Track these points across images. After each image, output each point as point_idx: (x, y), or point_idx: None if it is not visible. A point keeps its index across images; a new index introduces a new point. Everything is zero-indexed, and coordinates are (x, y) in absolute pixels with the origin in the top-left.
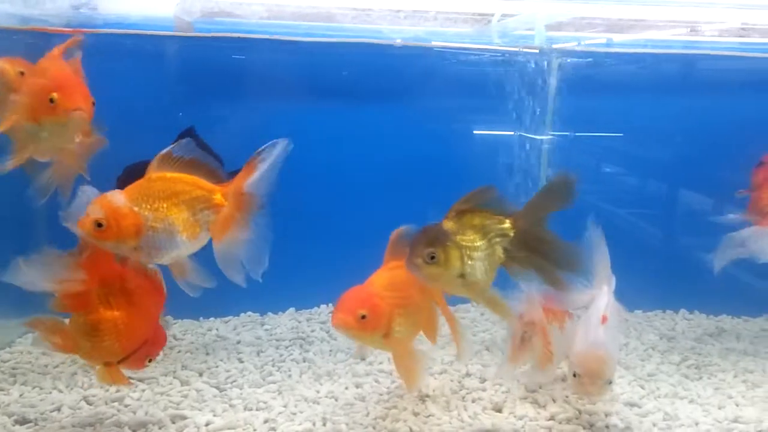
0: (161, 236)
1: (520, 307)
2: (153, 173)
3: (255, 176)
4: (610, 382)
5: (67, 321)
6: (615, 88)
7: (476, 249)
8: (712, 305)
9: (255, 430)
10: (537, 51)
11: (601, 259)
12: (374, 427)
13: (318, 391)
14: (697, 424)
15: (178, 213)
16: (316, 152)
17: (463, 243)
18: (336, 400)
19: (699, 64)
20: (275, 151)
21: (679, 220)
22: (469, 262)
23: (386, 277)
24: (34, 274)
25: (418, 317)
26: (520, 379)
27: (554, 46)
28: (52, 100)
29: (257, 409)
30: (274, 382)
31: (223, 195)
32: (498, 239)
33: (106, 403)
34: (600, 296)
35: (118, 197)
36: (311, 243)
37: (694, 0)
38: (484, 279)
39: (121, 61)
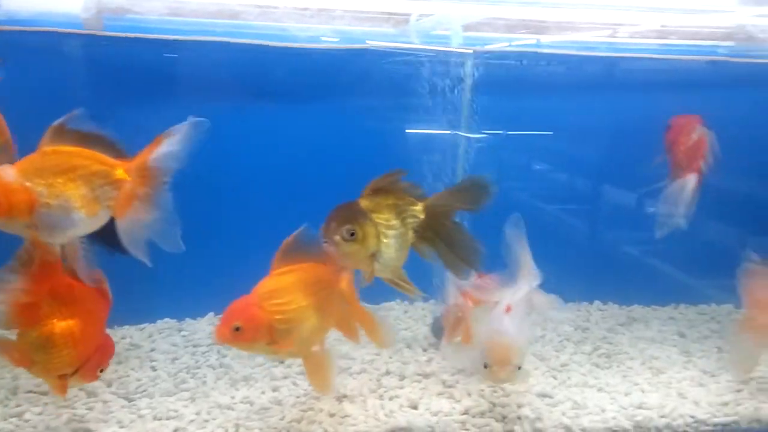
0: (56, 213)
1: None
2: (47, 147)
3: (160, 150)
4: (520, 367)
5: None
6: (541, 88)
7: (391, 228)
8: (625, 296)
9: None
10: (468, 51)
11: (520, 253)
12: (288, 431)
13: (233, 397)
14: (603, 411)
15: (75, 189)
16: (231, 153)
17: (379, 221)
18: (251, 405)
19: (621, 64)
20: (184, 128)
21: (600, 215)
22: (384, 240)
23: (269, 285)
24: None
25: (313, 321)
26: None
27: (489, 47)
28: None
29: (167, 419)
30: (187, 390)
31: (126, 171)
32: (410, 220)
33: (5, 419)
34: (508, 288)
35: (7, 172)
36: (232, 245)
37: (614, 3)
38: (397, 258)
39: (27, 60)
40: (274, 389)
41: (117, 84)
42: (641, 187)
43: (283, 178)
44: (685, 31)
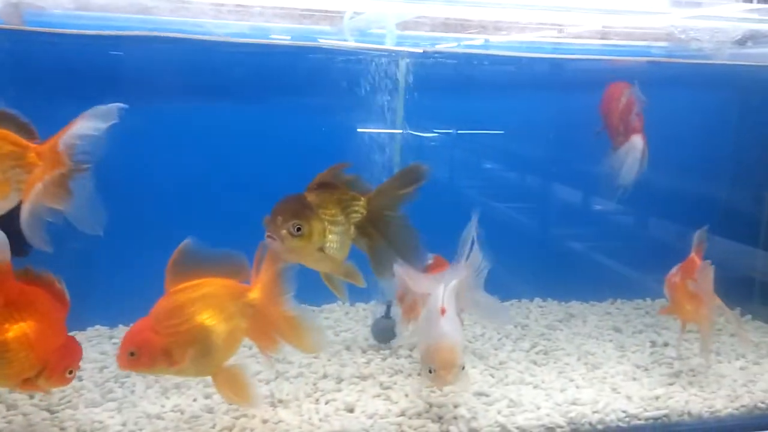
0: None
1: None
2: None
3: (72, 133)
4: (464, 367)
5: None
6: (483, 87)
7: (336, 223)
8: (565, 292)
9: None
10: (419, 51)
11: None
12: None
13: (163, 406)
14: (538, 408)
15: None
16: (153, 154)
17: (325, 216)
18: (182, 413)
19: (565, 64)
20: (100, 111)
21: (542, 213)
22: (329, 236)
23: (164, 305)
24: None
25: (215, 338)
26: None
27: (438, 47)
28: None
29: (91, 431)
30: (114, 400)
31: (38, 154)
32: (353, 215)
33: None
34: (437, 290)
35: None
36: (165, 250)
37: (557, 4)
38: (341, 253)
39: None
40: (207, 396)
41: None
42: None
43: (216, 180)
44: (623, 32)
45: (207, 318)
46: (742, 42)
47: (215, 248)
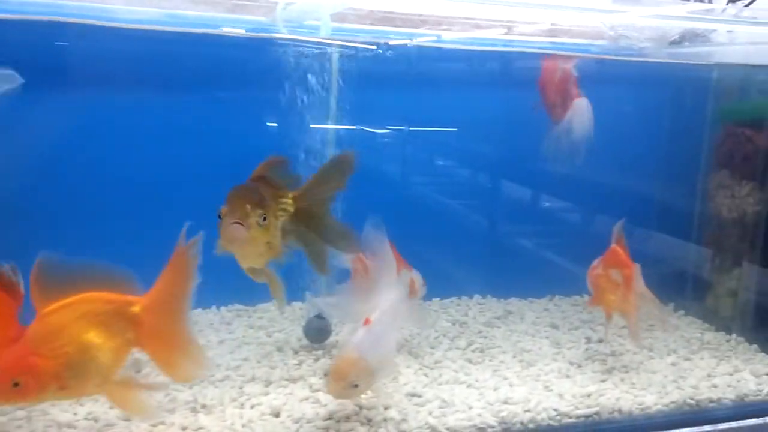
0: None
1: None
2: None
3: None
4: (356, 386)
5: None
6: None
7: (277, 217)
8: (504, 289)
9: None
10: (370, 45)
11: (384, 262)
12: None
13: (75, 414)
14: (470, 408)
15: None
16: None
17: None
18: (96, 421)
19: (511, 61)
20: None
21: (484, 210)
22: (273, 231)
23: (42, 327)
24: None
25: (103, 354)
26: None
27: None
28: None
29: None
30: (22, 408)
31: None
32: (281, 212)
33: None
34: (371, 300)
35: None
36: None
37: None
38: (280, 247)
39: None
40: None
41: None
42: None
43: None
44: (568, 30)
45: (93, 336)
46: (678, 42)
47: (85, 260)
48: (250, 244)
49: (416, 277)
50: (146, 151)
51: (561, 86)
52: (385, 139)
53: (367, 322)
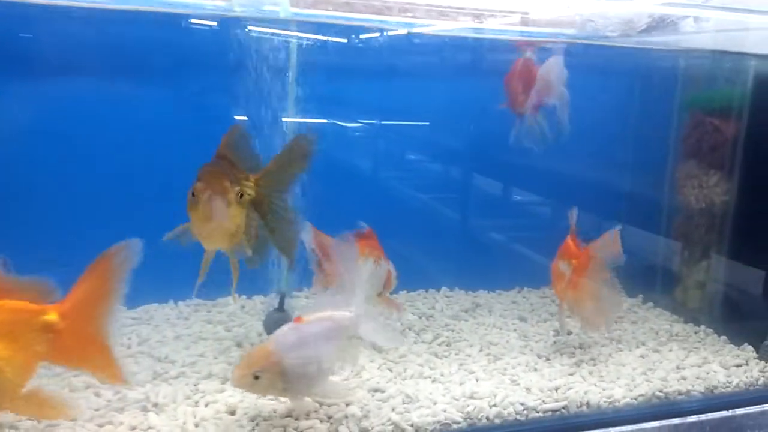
0: None
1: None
2: None
3: None
4: (257, 378)
5: None
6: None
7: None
8: (472, 282)
9: None
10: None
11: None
12: None
13: (17, 414)
14: (435, 403)
15: None
16: None
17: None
18: (38, 422)
19: (482, 51)
20: None
21: (453, 203)
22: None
23: None
24: None
25: (9, 370)
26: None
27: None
28: None
29: None
30: None
31: None
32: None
33: None
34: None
35: None
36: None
37: None
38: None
39: None
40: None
41: None
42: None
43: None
44: (538, 19)
45: (5, 347)
46: (646, 30)
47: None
48: (227, 223)
49: (392, 269)
50: (90, 138)
51: (522, 75)
52: (356, 133)
53: (297, 320)
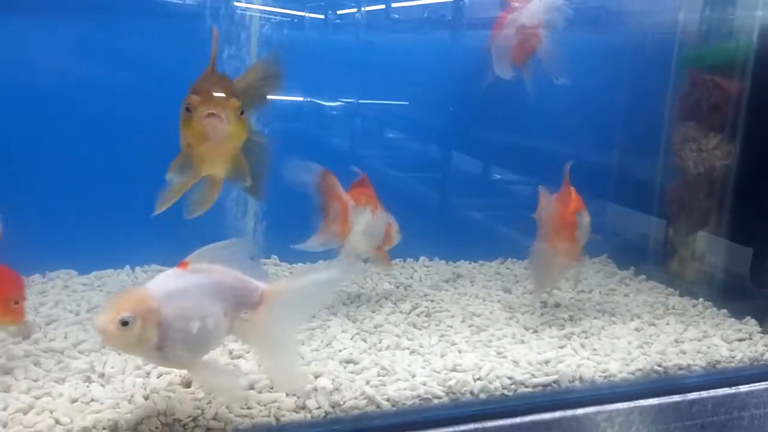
0: None
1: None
2: None
3: None
4: (125, 324)
5: None
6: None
7: None
8: (453, 252)
9: None
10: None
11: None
12: (6, 424)
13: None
14: (413, 376)
15: None
16: None
17: None
18: None
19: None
20: None
21: (435, 175)
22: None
23: None
24: None
25: None
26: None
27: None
28: None
29: None
30: None
31: None
32: None
33: None
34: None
35: None
36: None
37: None
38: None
39: None
40: (6, 372)
41: None
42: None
43: None
44: None
45: None
46: None
47: None
48: (227, 142)
49: (393, 222)
50: None
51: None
52: (333, 112)
53: (183, 264)
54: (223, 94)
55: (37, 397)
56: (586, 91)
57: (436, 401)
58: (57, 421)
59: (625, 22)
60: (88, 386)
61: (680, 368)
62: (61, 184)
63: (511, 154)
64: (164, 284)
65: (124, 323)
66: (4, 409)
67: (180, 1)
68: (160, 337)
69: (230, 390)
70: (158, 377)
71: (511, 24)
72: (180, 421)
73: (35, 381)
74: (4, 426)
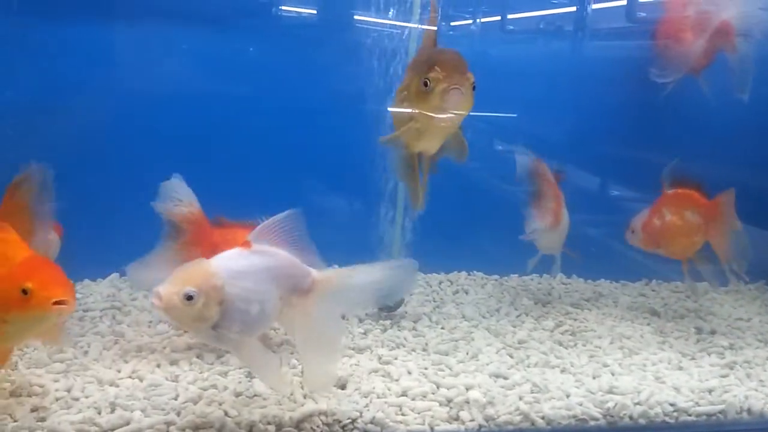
0: None
1: None
2: None
3: None
4: (190, 298)
5: None
6: None
7: None
8: (590, 271)
9: (15, 421)
10: None
11: None
12: (179, 413)
13: (119, 371)
14: (568, 396)
15: None
16: None
17: None
18: (140, 380)
19: None
20: None
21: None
22: None
23: None
24: None
25: None
26: None
27: None
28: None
29: (28, 395)
30: (61, 361)
31: None
32: None
33: None
34: None
35: None
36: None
37: None
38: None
39: None
40: (173, 362)
41: None
42: None
43: None
44: None
45: None
46: None
47: None
48: (464, 114)
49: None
50: None
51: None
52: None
53: (245, 244)
54: (463, 69)
55: (204, 389)
56: (738, 105)
57: (592, 423)
58: (226, 413)
59: None
60: (249, 381)
61: None
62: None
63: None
64: (229, 263)
65: (189, 297)
66: (175, 398)
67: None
68: (220, 316)
69: (271, 375)
70: None
71: (701, 27)
72: (339, 422)
73: (200, 373)
74: (178, 415)
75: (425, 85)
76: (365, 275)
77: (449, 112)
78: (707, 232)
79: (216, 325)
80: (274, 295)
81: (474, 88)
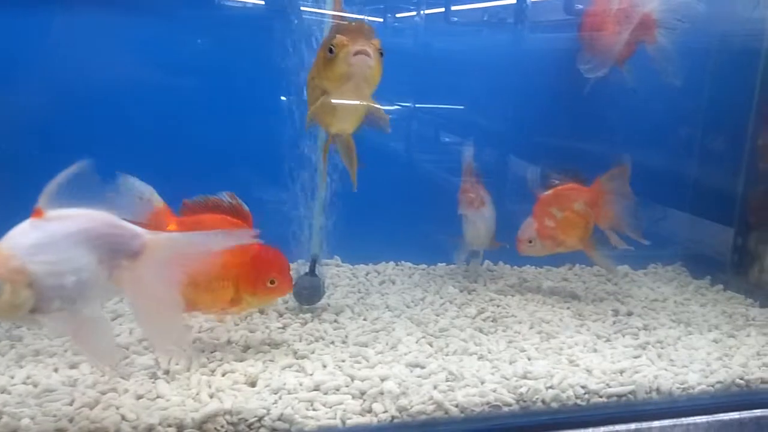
0: None
1: None
2: None
3: None
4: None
5: None
6: None
7: None
8: (517, 257)
9: None
10: None
11: None
12: (72, 419)
13: (12, 377)
14: (482, 383)
15: None
16: None
17: None
18: (35, 386)
19: None
20: None
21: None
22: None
23: None
24: None
25: None
26: None
27: None
28: None
29: None
30: None
31: None
32: None
33: None
34: None
35: None
36: None
37: None
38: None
39: None
40: (72, 366)
41: None
42: None
43: None
44: None
45: None
46: None
47: None
48: (370, 83)
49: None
50: None
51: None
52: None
53: (37, 213)
54: (366, 34)
55: (103, 393)
56: (664, 94)
57: (505, 409)
58: (123, 417)
59: (708, 25)
60: (153, 383)
61: (763, 382)
62: None
63: (582, 159)
64: (22, 238)
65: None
66: (70, 404)
67: None
68: (35, 299)
69: (100, 344)
70: (223, 375)
71: (624, 18)
72: (246, 420)
73: (102, 376)
74: (71, 421)
75: (330, 51)
76: (201, 239)
77: (356, 78)
78: (597, 215)
79: (34, 308)
80: (90, 260)
81: (382, 54)
